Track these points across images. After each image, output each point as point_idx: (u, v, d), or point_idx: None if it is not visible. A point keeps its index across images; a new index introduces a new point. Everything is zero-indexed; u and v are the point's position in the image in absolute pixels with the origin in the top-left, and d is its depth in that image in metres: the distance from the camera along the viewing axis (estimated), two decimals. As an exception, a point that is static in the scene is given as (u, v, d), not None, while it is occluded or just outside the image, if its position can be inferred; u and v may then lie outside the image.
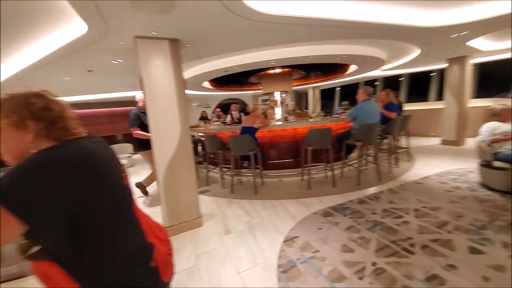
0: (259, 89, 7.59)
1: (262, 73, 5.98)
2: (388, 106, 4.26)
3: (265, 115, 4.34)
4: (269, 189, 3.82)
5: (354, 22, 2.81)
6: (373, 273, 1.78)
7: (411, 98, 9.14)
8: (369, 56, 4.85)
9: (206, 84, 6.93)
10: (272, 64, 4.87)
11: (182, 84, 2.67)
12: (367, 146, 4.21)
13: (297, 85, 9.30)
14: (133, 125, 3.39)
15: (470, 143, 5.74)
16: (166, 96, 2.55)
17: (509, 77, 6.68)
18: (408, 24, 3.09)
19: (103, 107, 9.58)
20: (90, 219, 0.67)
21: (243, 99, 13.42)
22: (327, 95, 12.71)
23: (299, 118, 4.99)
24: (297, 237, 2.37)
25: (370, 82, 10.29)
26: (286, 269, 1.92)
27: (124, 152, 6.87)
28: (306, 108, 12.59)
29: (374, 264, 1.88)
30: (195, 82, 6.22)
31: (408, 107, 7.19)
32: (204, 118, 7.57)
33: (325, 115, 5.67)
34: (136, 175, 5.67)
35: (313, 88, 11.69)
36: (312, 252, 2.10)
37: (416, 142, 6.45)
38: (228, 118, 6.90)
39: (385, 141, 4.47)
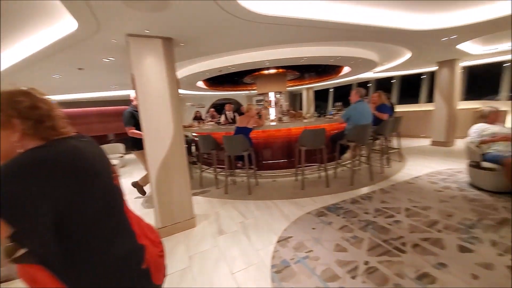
0: (254, 90, 7.60)
1: (257, 73, 5.98)
2: (380, 108, 4.33)
3: (259, 115, 4.34)
4: (263, 189, 3.82)
5: (347, 24, 2.84)
6: (365, 272, 1.80)
7: (403, 100, 9.32)
8: (362, 58, 4.92)
9: (200, 83, 6.88)
10: (266, 65, 4.88)
11: (175, 83, 2.64)
12: (360, 146, 4.25)
13: (291, 86, 9.35)
14: (128, 124, 3.33)
15: (459, 144, 5.89)
16: (159, 95, 2.52)
17: (496, 80, 6.89)
18: (400, 27, 3.15)
19: (94, 106, 9.39)
20: (80, 220, 0.65)
21: (237, 99, 13.40)
22: (321, 96, 12.81)
23: (293, 119, 5.01)
24: (291, 237, 2.38)
25: (363, 84, 10.44)
26: (279, 269, 1.92)
27: (115, 152, 6.75)
28: (300, 109, 12.67)
29: (366, 263, 1.90)
30: (189, 82, 6.17)
31: (399, 108, 7.31)
32: (198, 118, 7.53)
33: (319, 116, 5.71)
34: (128, 176, 5.59)
35: (307, 89, 11.78)
36: (306, 252, 2.11)
37: (407, 143, 6.57)
38: (222, 118, 6.87)
39: (377, 141, 4.54)
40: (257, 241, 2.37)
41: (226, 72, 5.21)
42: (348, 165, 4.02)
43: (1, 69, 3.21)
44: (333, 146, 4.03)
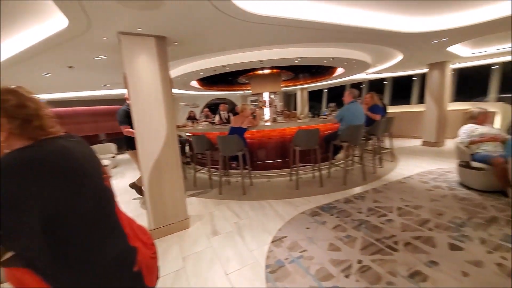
0: (248, 90, 7.59)
1: (251, 73, 5.97)
2: (373, 108, 4.39)
3: (253, 115, 4.34)
4: (258, 189, 3.82)
5: (341, 26, 2.87)
6: (358, 271, 1.82)
7: (394, 101, 9.48)
8: (355, 59, 4.98)
9: (194, 83, 6.83)
10: (260, 65, 4.88)
11: (168, 82, 2.61)
12: (353, 146, 4.30)
13: (286, 86, 9.39)
14: (123, 122, 3.25)
15: (449, 144, 6.02)
16: (152, 94, 2.49)
17: (485, 82, 7.08)
18: (392, 29, 3.20)
19: (85, 105, 9.21)
20: (69, 222, 0.64)
21: (232, 99, 13.36)
22: (315, 97, 12.91)
23: (287, 119, 5.03)
24: (285, 237, 2.38)
25: (356, 85, 10.57)
26: (274, 269, 1.92)
27: (107, 153, 6.64)
28: (295, 109, 12.74)
29: (360, 262, 1.92)
30: (183, 81, 6.12)
31: (391, 109, 7.44)
32: (191, 118, 7.47)
33: (313, 116, 5.75)
34: (120, 176, 5.50)
35: (301, 89, 11.85)
36: (300, 252, 2.12)
37: (399, 143, 6.69)
38: (217, 118, 6.84)
39: (370, 142, 4.60)
40: (252, 241, 2.36)
41: (220, 72, 5.19)
42: (342, 165, 4.06)
43: (-13, 67, 3.12)
44: (327, 146, 4.06)
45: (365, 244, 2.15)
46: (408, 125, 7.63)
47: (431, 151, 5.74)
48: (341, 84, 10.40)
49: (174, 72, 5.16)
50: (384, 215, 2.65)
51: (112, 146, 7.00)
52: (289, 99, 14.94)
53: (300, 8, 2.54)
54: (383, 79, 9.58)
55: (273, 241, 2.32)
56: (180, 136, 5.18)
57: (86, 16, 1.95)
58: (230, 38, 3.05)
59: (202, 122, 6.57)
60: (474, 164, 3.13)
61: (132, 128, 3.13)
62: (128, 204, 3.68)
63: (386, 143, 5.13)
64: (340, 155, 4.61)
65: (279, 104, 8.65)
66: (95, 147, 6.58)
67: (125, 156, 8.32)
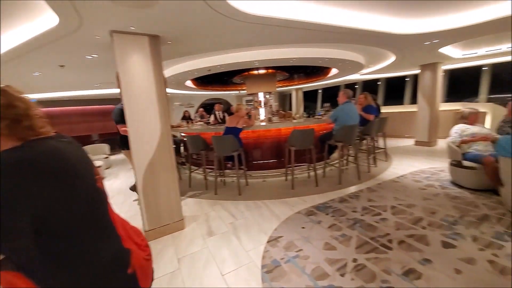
0: (243, 90, 7.58)
1: (246, 73, 5.97)
2: (367, 109, 4.44)
3: (249, 115, 4.34)
4: (253, 189, 3.81)
5: (334, 26, 2.89)
6: (354, 269, 1.83)
7: (388, 101, 9.62)
8: (349, 60, 5.03)
9: (189, 83, 6.79)
10: (255, 65, 4.88)
11: (162, 82, 2.58)
12: (347, 146, 4.34)
13: (281, 87, 9.42)
14: (119, 121, 3.18)
15: (441, 144, 6.13)
16: (145, 94, 2.45)
17: (476, 83, 7.24)
18: (385, 30, 3.25)
19: (77, 105, 9.06)
20: (60, 224, 0.62)
21: (227, 99, 13.33)
22: (309, 97, 12.99)
23: (282, 119, 5.04)
24: (281, 236, 2.38)
25: (350, 85, 10.68)
26: (270, 269, 1.91)
27: (100, 153, 6.54)
28: (290, 109, 12.78)
29: (355, 260, 1.94)
30: (177, 81, 6.08)
31: (385, 109, 7.54)
32: (186, 118, 7.41)
33: (308, 116, 5.78)
34: (114, 177, 5.43)
35: (296, 89, 11.90)
36: (296, 251, 2.12)
37: (392, 143, 6.77)
38: (212, 118, 6.81)
39: (364, 141, 4.65)
40: (248, 241, 2.36)
41: (215, 72, 5.17)
42: (336, 165, 4.09)
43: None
44: (322, 146, 4.09)
45: (360, 243, 2.17)
46: (401, 125, 7.73)
47: (424, 150, 5.84)
48: (335, 84, 10.49)
49: (169, 72, 5.12)
50: (379, 214, 2.68)
51: (105, 147, 6.89)
52: (284, 99, 14.99)
53: (294, 9, 2.55)
54: (377, 80, 9.70)
55: (269, 241, 2.32)
56: (174, 136, 5.14)
57: (77, 14, 1.91)
58: (225, 37, 3.04)
59: (197, 122, 6.53)
60: (466, 163, 3.19)
61: None
62: (121, 205, 3.63)
63: (380, 143, 5.19)
64: (335, 155, 4.64)
65: (274, 104, 8.66)
66: (88, 147, 6.47)
67: (119, 156, 8.21)
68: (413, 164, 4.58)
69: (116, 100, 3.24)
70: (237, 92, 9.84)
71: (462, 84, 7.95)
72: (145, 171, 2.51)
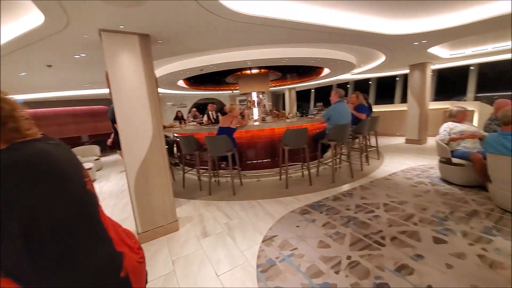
0: (236, 89, 7.57)
1: (239, 73, 5.96)
2: (359, 108, 4.49)
3: (242, 115, 4.33)
4: (248, 189, 3.81)
5: (326, 27, 2.92)
6: (348, 267, 1.85)
7: (379, 101, 9.78)
8: (341, 60, 5.09)
9: (181, 83, 6.73)
10: (248, 65, 4.87)
11: (154, 82, 2.54)
12: (340, 145, 4.38)
13: (274, 86, 9.45)
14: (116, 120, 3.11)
15: (431, 141, 6.27)
16: (136, 94, 2.41)
17: (463, 82, 7.44)
18: (374, 31, 3.30)
19: (66, 106, 8.83)
20: (50, 229, 0.60)
21: (220, 99, 13.28)
22: (302, 97, 13.08)
23: (276, 119, 5.05)
24: (276, 236, 2.38)
25: (342, 85, 10.81)
26: (265, 269, 1.91)
27: (91, 155, 6.40)
28: (283, 109, 12.83)
29: (349, 257, 1.96)
30: (169, 81, 6.01)
31: (376, 108, 7.66)
32: (179, 118, 7.34)
33: (301, 116, 5.81)
34: (105, 179, 5.32)
35: (289, 89, 11.96)
36: (291, 250, 2.13)
37: (384, 141, 6.89)
38: (205, 118, 6.76)
39: (356, 140, 4.71)
40: (242, 241, 2.35)
41: (208, 72, 5.14)
42: (330, 164, 4.13)
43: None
44: (315, 145, 4.12)
45: (354, 240, 2.19)
46: (392, 124, 7.87)
47: (414, 148, 5.96)
48: (328, 84, 10.60)
49: (160, 71, 5.06)
50: (371, 211, 2.71)
51: (96, 148, 6.75)
52: (278, 99, 15.04)
53: (286, 9, 2.57)
54: (368, 79, 9.86)
55: (263, 241, 2.32)
56: (167, 137, 5.08)
57: (64, 13, 1.86)
58: (217, 37, 3.02)
59: (190, 122, 6.47)
60: (454, 160, 3.27)
61: None
62: (113, 208, 3.56)
63: (372, 141, 5.26)
64: (328, 153, 4.69)
65: (267, 104, 8.67)
66: (78, 149, 6.32)
67: (109, 158, 8.07)
68: (404, 162, 4.66)
69: (106, 100, 3.17)
70: (230, 92, 9.82)
71: (450, 83, 8.17)
72: (137, 172, 2.47)
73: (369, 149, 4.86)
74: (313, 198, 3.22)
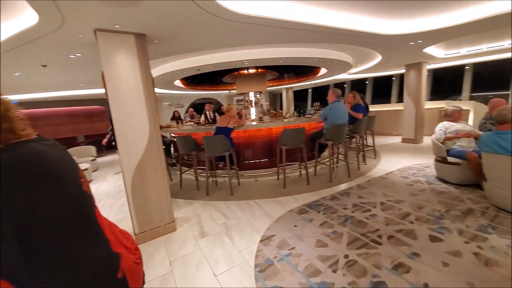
0: (233, 89, 7.56)
1: (236, 73, 5.95)
2: (355, 107, 4.51)
3: (239, 115, 4.32)
4: (245, 189, 3.81)
5: (323, 27, 2.93)
6: (345, 265, 1.86)
7: (375, 100, 9.85)
8: (337, 60, 5.11)
9: (178, 83, 6.70)
10: (245, 64, 4.87)
11: (150, 81, 2.53)
12: (337, 145, 4.40)
13: (271, 86, 9.45)
14: None
15: (427, 141, 6.32)
16: (132, 94, 2.40)
17: (459, 82, 7.52)
18: (372, 31, 3.32)
19: (61, 106, 8.74)
20: (46, 230, 0.60)
21: (217, 99, 13.25)
22: (300, 96, 13.11)
23: (273, 118, 5.05)
24: (274, 235, 2.39)
25: (339, 84, 10.85)
26: (263, 268, 1.91)
27: (87, 155, 6.34)
28: (281, 109, 12.85)
29: (346, 256, 1.97)
30: (166, 81, 5.98)
31: (373, 108, 7.69)
32: (176, 118, 7.31)
33: (299, 116, 5.82)
34: (101, 180, 5.28)
35: (287, 89, 11.98)
36: (288, 250, 2.13)
37: (380, 140, 6.93)
38: (202, 118, 6.74)
39: (353, 140, 4.73)
40: (240, 241, 2.35)
41: (205, 71, 5.12)
42: (327, 163, 4.14)
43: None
44: (312, 145, 4.13)
45: (351, 239, 2.20)
46: (388, 123, 7.93)
47: (410, 147, 6.01)
48: (325, 84, 10.63)
49: (157, 71, 5.04)
50: (368, 210, 2.73)
51: (92, 149, 6.69)
52: (275, 99, 15.05)
53: (283, 9, 2.57)
54: (365, 79, 9.91)
55: (261, 240, 2.32)
56: (164, 137, 5.06)
57: (59, 12, 1.84)
58: (214, 37, 3.02)
59: (187, 122, 6.45)
60: (450, 159, 3.29)
61: None
62: (110, 208, 3.54)
63: (369, 140, 5.29)
64: (326, 153, 4.71)
65: (265, 103, 8.68)
66: (74, 149, 6.26)
67: (106, 159, 8.01)
68: (401, 161, 4.70)
69: (102, 100, 3.15)
70: (228, 91, 9.80)
71: (445, 83, 8.25)
72: (134, 173, 2.45)
73: (366, 149, 4.89)
74: (310, 198, 3.22)
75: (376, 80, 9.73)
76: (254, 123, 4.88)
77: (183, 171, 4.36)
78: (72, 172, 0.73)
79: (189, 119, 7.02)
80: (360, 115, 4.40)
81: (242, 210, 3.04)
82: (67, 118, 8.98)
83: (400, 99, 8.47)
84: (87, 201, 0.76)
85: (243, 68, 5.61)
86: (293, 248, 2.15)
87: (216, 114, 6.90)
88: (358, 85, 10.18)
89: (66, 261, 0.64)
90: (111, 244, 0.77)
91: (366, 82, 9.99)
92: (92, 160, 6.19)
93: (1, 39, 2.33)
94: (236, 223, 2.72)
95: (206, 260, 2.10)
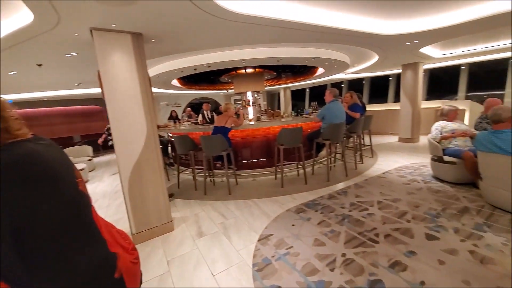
0: (231, 89, 7.55)
1: (234, 72, 5.94)
2: (353, 107, 4.53)
3: (237, 115, 4.32)
4: (243, 189, 3.81)
5: (321, 26, 2.94)
6: (343, 264, 1.87)
7: (372, 100, 9.90)
8: (335, 59, 5.12)
9: (175, 82, 6.67)
10: (243, 64, 4.86)
11: (147, 81, 2.51)
12: (335, 144, 4.41)
13: (269, 86, 9.45)
14: None
15: (423, 140, 6.38)
16: (129, 93, 2.38)
17: (455, 82, 7.58)
18: (369, 31, 3.34)
19: (57, 106, 8.67)
20: (42, 230, 0.59)
21: (215, 99, 13.23)
22: (297, 96, 13.14)
23: (271, 118, 5.05)
24: (271, 235, 2.39)
25: (337, 84, 10.89)
26: (261, 268, 1.92)
27: (83, 155, 6.29)
28: (278, 108, 12.85)
29: (343, 255, 1.97)
30: (163, 80, 5.95)
31: (370, 108, 7.74)
32: (173, 117, 7.28)
33: (296, 115, 5.83)
34: (98, 180, 5.25)
35: (284, 88, 11.98)
36: (286, 249, 2.13)
37: (377, 140, 6.97)
38: (200, 118, 6.72)
39: (351, 139, 4.75)
40: (238, 241, 2.35)
41: (202, 71, 5.11)
42: (324, 162, 4.16)
43: None
44: (310, 144, 4.14)
45: (348, 238, 2.21)
46: (385, 123, 7.97)
47: (407, 147, 6.05)
48: (322, 83, 10.66)
49: (154, 71, 5.01)
50: (366, 209, 2.74)
51: (88, 149, 6.64)
52: (273, 98, 15.06)
53: (280, 9, 2.57)
54: (362, 79, 9.95)
55: (259, 240, 2.32)
56: (162, 136, 5.04)
57: (54, 11, 1.82)
58: (211, 36, 3.01)
59: (184, 122, 6.43)
60: (446, 158, 3.32)
61: None
62: (107, 209, 3.51)
63: (366, 140, 5.32)
64: (323, 152, 4.72)
65: (262, 103, 8.68)
66: (70, 149, 6.21)
67: (103, 158, 7.95)
68: (397, 160, 4.73)
69: (98, 100, 3.13)
70: (225, 91, 9.79)
71: (442, 82, 8.31)
72: (131, 173, 2.44)
73: (363, 148, 4.91)
74: (308, 197, 3.23)
75: (373, 80, 9.78)
76: (252, 122, 4.88)
77: (180, 171, 4.35)
78: (68, 172, 0.73)
79: (186, 118, 7.00)
80: (357, 115, 4.41)
81: (240, 210, 3.04)
82: (63, 117, 8.91)
83: (397, 99, 8.52)
84: (84, 201, 0.76)
85: (240, 68, 5.61)
86: (291, 247, 2.15)
87: (214, 113, 6.89)
88: (355, 85, 10.22)
89: (62, 261, 0.63)
90: (108, 244, 0.76)
91: (363, 81, 10.04)
92: (89, 160, 6.14)
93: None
94: (234, 223, 2.72)
95: (204, 260, 2.10)
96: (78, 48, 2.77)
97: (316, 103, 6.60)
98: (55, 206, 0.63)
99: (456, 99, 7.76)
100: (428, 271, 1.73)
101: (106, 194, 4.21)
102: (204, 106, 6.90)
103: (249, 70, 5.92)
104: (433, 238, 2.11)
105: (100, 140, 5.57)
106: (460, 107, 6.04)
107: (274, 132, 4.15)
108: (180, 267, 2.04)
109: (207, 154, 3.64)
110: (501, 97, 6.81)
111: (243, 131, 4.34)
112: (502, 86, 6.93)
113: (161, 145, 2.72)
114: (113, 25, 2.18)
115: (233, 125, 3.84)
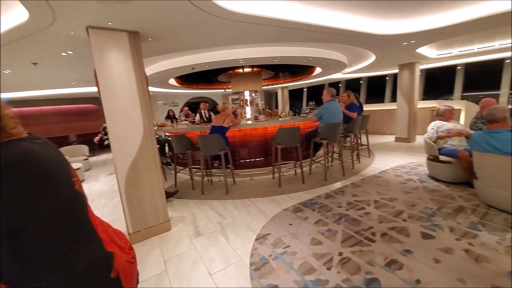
0: (229, 88, 7.53)
1: (231, 72, 5.93)
2: (350, 107, 4.55)
3: (235, 114, 4.31)
4: (241, 188, 3.80)
5: (319, 26, 2.95)
6: (339, 263, 1.88)
7: (369, 100, 9.95)
8: (332, 59, 5.14)
9: (172, 81, 6.64)
10: (240, 63, 4.86)
11: (144, 80, 2.50)
12: (332, 143, 4.43)
13: (267, 85, 9.45)
14: None
15: (419, 140, 6.42)
16: (126, 92, 2.36)
17: (451, 82, 7.65)
18: (366, 31, 3.35)
19: (53, 105, 8.58)
20: (38, 230, 0.59)
21: (213, 98, 13.20)
22: (295, 95, 13.16)
23: (269, 117, 5.05)
24: (269, 234, 2.39)
25: (334, 84, 10.93)
26: (258, 267, 1.92)
27: (79, 154, 6.24)
28: (276, 108, 12.87)
29: (340, 254, 1.98)
30: (160, 79, 5.92)
31: (367, 107, 7.77)
32: (171, 117, 7.25)
33: (294, 115, 5.84)
34: (94, 179, 5.21)
35: (282, 88, 11.99)
36: (284, 248, 2.14)
37: (374, 139, 7.01)
38: (197, 117, 6.70)
39: (348, 139, 4.77)
40: (236, 240, 2.35)
41: (200, 70, 5.09)
42: (322, 162, 4.17)
43: None
44: (308, 144, 4.15)
45: (345, 237, 2.22)
46: (382, 123, 8.02)
47: (404, 146, 6.09)
48: (320, 83, 10.69)
49: (151, 69, 4.98)
50: (363, 208, 2.76)
51: (84, 148, 6.59)
52: (270, 98, 15.07)
53: (278, 8, 2.57)
54: (359, 79, 10.00)
55: (257, 239, 2.33)
56: (159, 136, 5.02)
57: (50, 9, 1.80)
58: (209, 35, 3.00)
59: (182, 121, 6.40)
60: (442, 157, 3.35)
61: None
62: (103, 208, 3.49)
63: (363, 139, 5.34)
64: (320, 152, 4.74)
65: (260, 102, 8.67)
66: (66, 149, 6.16)
67: (99, 158, 7.90)
68: (394, 160, 4.76)
69: (95, 98, 3.11)
70: (223, 90, 9.77)
71: (438, 83, 8.38)
72: (128, 172, 2.43)
73: (360, 148, 4.94)
74: (305, 196, 3.24)
75: (370, 79, 9.84)
76: (249, 122, 4.87)
77: (178, 170, 4.33)
78: (64, 171, 0.72)
79: (184, 118, 6.98)
80: (354, 114, 4.43)
81: (237, 209, 3.04)
82: (58, 116, 8.83)
83: (393, 99, 8.58)
84: (80, 200, 0.75)
85: (238, 67, 5.60)
86: (288, 246, 2.16)
87: (211, 113, 6.87)
88: (352, 85, 10.27)
89: (58, 261, 0.63)
90: (104, 244, 0.76)
91: (361, 81, 10.09)
92: (85, 159, 6.10)
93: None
94: (231, 222, 2.72)
95: (201, 259, 2.10)
96: (74, 46, 2.75)
97: (313, 102, 6.62)
98: (51, 205, 0.63)
99: (452, 99, 7.83)
100: (424, 269, 1.74)
101: (103, 193, 4.18)
102: (202, 105, 6.88)
103: (247, 70, 5.92)
104: (428, 237, 2.13)
105: (96, 138, 5.53)
106: (456, 107, 6.10)
107: (272, 131, 4.15)
108: (177, 266, 2.04)
109: (204, 154, 3.63)
110: (497, 97, 6.89)
111: (241, 131, 4.34)
112: (497, 86, 7.01)
113: (158, 145, 2.71)
114: (109, 23, 2.17)
115: (230, 124, 3.84)
